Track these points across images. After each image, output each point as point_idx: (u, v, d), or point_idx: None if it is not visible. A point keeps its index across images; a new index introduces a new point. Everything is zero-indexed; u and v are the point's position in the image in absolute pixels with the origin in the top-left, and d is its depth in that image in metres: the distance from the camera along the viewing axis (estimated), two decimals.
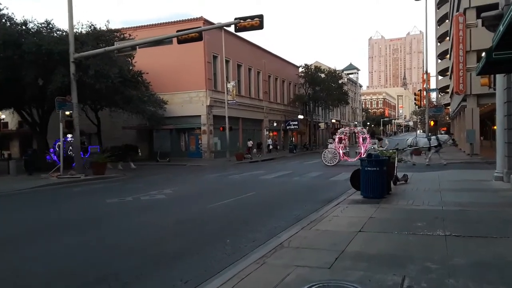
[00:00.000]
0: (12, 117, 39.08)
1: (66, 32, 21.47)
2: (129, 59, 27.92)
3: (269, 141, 41.62)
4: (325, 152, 24.87)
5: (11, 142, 43.14)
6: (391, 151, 13.95)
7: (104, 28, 23.84)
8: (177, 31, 18.07)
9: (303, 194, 12.60)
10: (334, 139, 24.91)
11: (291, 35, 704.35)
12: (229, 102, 33.17)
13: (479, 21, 29.65)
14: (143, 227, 8.32)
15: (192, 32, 17.58)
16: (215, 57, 35.69)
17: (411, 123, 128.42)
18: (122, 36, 23.79)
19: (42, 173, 20.27)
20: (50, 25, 22.57)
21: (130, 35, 24.37)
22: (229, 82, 34.46)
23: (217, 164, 29.30)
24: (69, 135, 25.02)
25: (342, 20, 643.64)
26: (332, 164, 23.47)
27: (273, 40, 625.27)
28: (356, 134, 24.13)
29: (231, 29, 34.82)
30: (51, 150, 25.05)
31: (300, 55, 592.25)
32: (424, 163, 21.67)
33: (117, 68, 22.60)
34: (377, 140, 24.53)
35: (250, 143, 36.63)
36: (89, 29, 23.44)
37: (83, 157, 24.39)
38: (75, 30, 23.32)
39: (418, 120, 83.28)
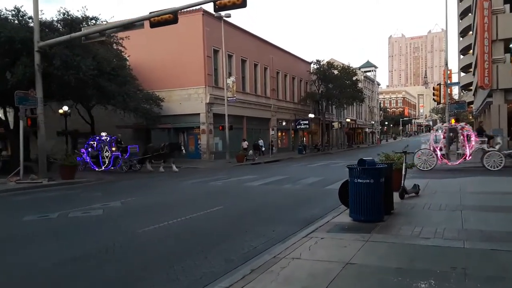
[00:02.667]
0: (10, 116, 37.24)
1: (40, 20, 19.18)
2: (123, 53, 25.84)
3: (260, 142, 36.01)
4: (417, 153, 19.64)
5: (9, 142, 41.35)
6: (398, 154, 11.07)
7: (80, 15, 21.32)
8: (150, 12, 15.48)
9: (282, 210, 9.81)
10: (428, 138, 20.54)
11: (307, 33, 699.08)
12: (228, 99, 30.49)
13: (507, 6, 26.40)
14: (8, 270, 5.64)
15: (165, 13, 14.95)
16: (216, 51, 33.07)
17: (431, 123, 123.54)
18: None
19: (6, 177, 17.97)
20: (21, 13, 20.26)
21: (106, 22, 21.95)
22: (229, 78, 31.66)
23: (214, 166, 26.74)
24: (103, 133, 23.19)
25: (361, 19, 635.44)
26: (427, 169, 18.33)
27: (288, 38, 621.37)
28: (459, 131, 19.16)
29: (231, 20, 32.79)
30: (82, 150, 23.08)
31: (316, 54, 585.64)
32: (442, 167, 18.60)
33: (96, 59, 20.25)
34: (486, 139, 19.42)
35: (245, 144, 33.20)
36: (62, 16, 21.02)
37: (121, 158, 22.37)
38: (49, 19, 21.11)
39: (438, 119, 79.09)
